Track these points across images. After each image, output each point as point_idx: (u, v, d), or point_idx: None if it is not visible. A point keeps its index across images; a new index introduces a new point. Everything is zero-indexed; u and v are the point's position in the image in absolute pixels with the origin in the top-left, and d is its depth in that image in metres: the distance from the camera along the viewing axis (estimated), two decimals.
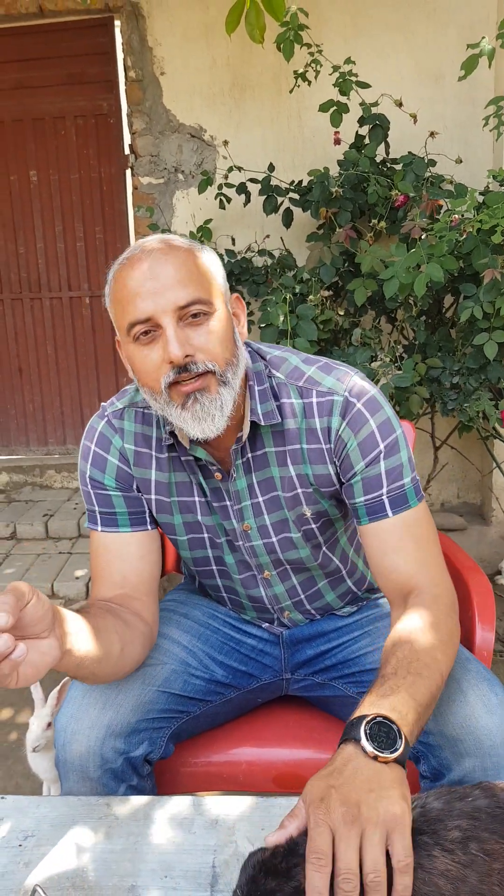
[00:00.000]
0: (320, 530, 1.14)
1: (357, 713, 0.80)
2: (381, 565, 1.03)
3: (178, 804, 0.95)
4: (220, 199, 2.79)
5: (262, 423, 1.05)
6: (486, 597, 1.29)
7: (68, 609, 0.89)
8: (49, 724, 1.61)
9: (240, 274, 2.75)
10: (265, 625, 1.24)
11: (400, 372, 2.13)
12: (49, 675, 2.34)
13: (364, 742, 0.75)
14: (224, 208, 2.82)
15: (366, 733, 0.76)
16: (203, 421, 0.97)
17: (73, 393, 3.74)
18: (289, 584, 1.18)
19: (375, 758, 0.74)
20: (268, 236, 2.85)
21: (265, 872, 0.69)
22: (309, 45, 2.35)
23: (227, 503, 1.11)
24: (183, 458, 1.10)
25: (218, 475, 1.09)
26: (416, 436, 2.32)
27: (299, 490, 1.09)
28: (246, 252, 2.85)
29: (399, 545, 1.02)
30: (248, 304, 2.85)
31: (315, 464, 1.07)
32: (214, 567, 1.18)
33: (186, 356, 0.94)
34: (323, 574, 1.20)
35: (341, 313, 2.45)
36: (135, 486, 1.12)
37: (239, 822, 0.92)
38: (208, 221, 2.82)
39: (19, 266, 3.60)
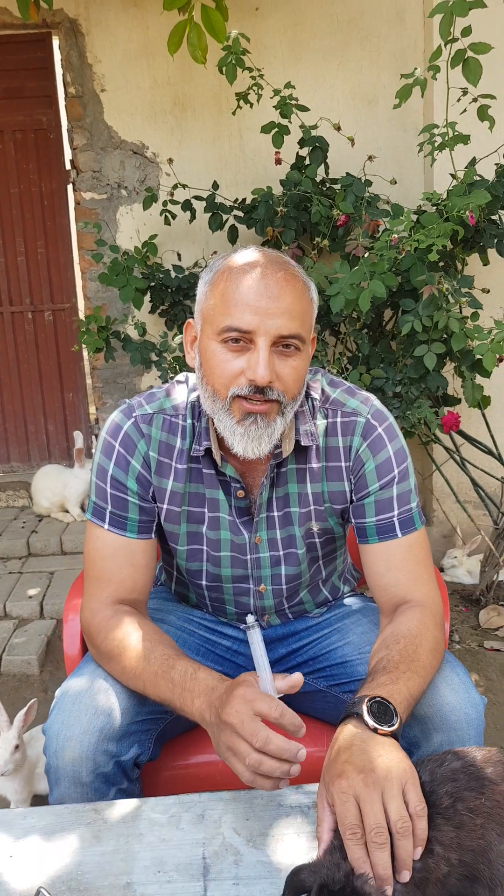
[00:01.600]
0: (321, 546, 1.21)
1: (359, 694, 0.91)
2: (383, 579, 1.13)
3: (163, 804, 0.99)
4: (166, 216, 2.84)
5: (303, 444, 1.12)
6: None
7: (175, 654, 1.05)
8: (16, 747, 1.61)
9: (188, 289, 2.81)
10: (242, 626, 1.30)
11: None
12: (9, 697, 2.32)
13: (366, 717, 0.86)
14: (169, 224, 2.87)
15: (368, 709, 0.87)
16: (252, 441, 1.04)
17: (16, 409, 3.70)
18: (278, 598, 1.24)
19: (375, 730, 0.85)
20: (215, 252, 2.92)
21: None
22: (250, 69, 2.43)
23: (240, 519, 1.16)
24: (205, 471, 1.14)
25: (240, 493, 1.14)
26: None
27: (312, 507, 1.17)
28: (193, 268, 2.90)
29: (402, 563, 1.12)
30: None
31: (332, 481, 1.15)
32: (204, 580, 1.23)
33: (269, 382, 1.00)
34: (307, 586, 1.27)
35: None
36: (151, 494, 1.15)
37: (224, 815, 0.97)
38: (153, 237, 2.87)
39: None
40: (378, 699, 0.89)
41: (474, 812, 0.78)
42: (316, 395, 1.16)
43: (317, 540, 1.20)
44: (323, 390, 1.17)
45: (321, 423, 1.14)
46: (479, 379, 2.38)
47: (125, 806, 0.99)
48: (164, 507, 1.16)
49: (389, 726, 0.86)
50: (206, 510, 1.17)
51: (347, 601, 1.36)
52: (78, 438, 3.27)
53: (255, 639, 0.94)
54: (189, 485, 1.16)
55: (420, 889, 0.77)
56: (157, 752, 1.14)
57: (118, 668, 1.06)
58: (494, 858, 0.76)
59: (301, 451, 1.15)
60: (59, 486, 3.29)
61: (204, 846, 0.92)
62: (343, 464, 1.14)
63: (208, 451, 1.13)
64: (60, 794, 1.02)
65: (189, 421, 1.14)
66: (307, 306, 1.05)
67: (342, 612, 1.32)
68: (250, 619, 0.98)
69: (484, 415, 2.67)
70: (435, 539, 3.19)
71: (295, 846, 0.90)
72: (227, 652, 1.30)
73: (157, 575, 1.44)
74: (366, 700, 0.88)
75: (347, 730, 0.87)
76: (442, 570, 3.06)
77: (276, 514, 1.17)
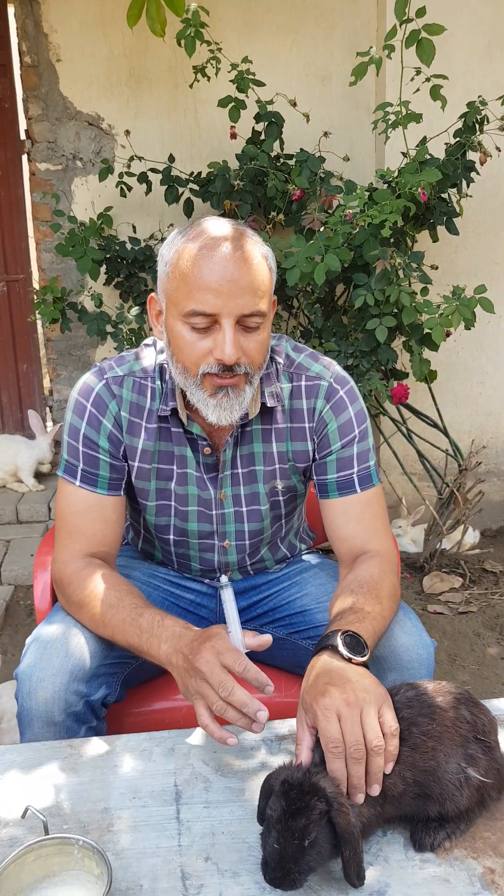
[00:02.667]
0: (285, 504, 1.28)
1: (330, 629, 0.98)
2: (342, 531, 1.21)
3: (135, 740, 1.06)
4: (122, 188, 2.84)
5: (269, 405, 1.18)
6: None
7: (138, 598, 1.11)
8: None
9: (143, 261, 2.83)
10: (206, 580, 1.37)
11: None
12: None
13: (341, 648, 0.93)
14: (125, 196, 2.87)
15: (342, 641, 0.94)
16: (223, 411, 1.10)
17: None
18: (241, 553, 1.31)
19: (349, 660, 0.92)
20: (171, 225, 2.94)
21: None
22: (209, 43, 2.45)
23: (208, 475, 1.22)
24: (173, 430, 1.20)
25: (207, 450, 1.20)
26: None
27: (277, 465, 1.23)
28: (149, 240, 2.92)
29: (361, 516, 1.20)
30: (151, 290, 2.92)
31: (296, 441, 1.22)
32: (172, 535, 1.29)
33: (236, 360, 1.05)
34: (268, 543, 1.34)
35: None
36: (122, 452, 1.20)
37: (193, 748, 1.04)
38: (109, 209, 2.87)
39: None
40: (350, 633, 0.96)
41: (426, 735, 0.86)
42: (280, 359, 1.22)
43: (280, 498, 1.27)
44: (287, 355, 1.23)
45: (286, 386, 1.21)
46: (425, 354, 2.48)
47: (99, 742, 1.05)
48: (136, 464, 1.21)
49: (362, 657, 0.93)
50: (174, 467, 1.22)
51: (305, 557, 1.44)
52: (32, 417, 3.26)
53: (228, 597, 1.04)
54: (159, 443, 1.21)
55: (381, 805, 0.85)
56: (123, 694, 1.20)
57: (88, 616, 1.11)
58: (443, 776, 0.85)
59: (266, 412, 1.21)
60: (10, 455, 3.28)
61: (175, 775, 0.99)
62: (307, 424, 1.21)
63: (175, 410, 1.18)
64: (33, 734, 1.07)
65: (157, 383, 1.19)
66: (267, 279, 1.09)
67: (300, 566, 1.40)
68: (224, 579, 1.08)
69: (430, 389, 2.78)
70: None
71: (260, 774, 0.97)
72: (190, 605, 1.37)
73: (125, 534, 1.49)
74: (339, 634, 0.95)
75: (323, 659, 0.93)
76: None
77: (240, 471, 1.23)
